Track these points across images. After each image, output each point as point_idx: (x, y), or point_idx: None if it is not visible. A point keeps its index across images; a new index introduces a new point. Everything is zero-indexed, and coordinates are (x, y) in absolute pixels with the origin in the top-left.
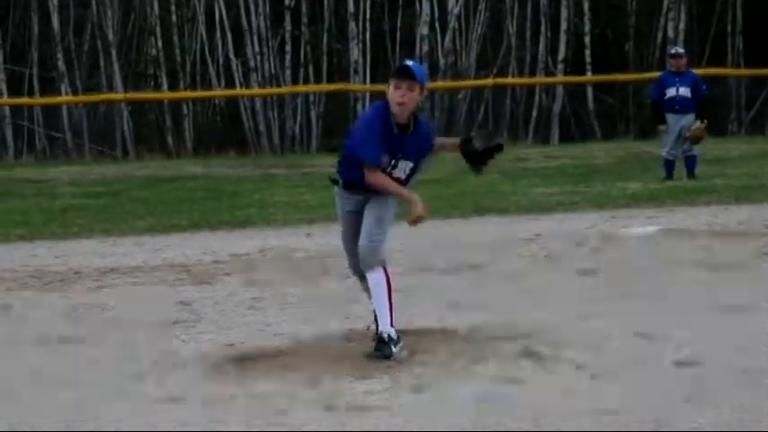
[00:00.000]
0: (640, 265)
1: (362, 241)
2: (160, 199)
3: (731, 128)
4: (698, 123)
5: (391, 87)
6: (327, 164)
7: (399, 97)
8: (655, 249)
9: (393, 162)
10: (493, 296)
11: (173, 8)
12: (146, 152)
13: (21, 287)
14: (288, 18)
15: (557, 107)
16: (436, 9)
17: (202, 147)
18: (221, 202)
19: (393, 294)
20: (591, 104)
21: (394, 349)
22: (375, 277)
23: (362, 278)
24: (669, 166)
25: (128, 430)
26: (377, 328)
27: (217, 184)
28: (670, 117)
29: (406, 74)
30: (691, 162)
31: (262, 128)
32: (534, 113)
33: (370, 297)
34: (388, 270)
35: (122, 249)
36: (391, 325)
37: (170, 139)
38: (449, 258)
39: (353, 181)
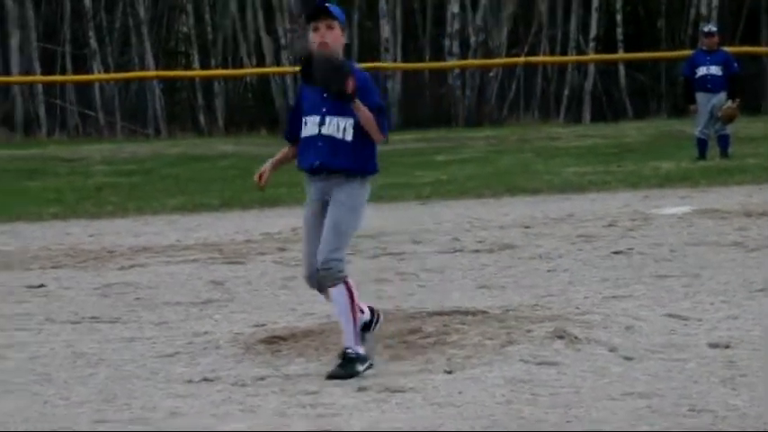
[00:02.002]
0: (673, 245)
1: (319, 263)
2: (192, 177)
3: (765, 106)
4: (729, 102)
5: (310, 34)
6: None
7: (320, 38)
8: (688, 230)
9: (320, 119)
10: (525, 277)
11: None
12: (177, 130)
13: (55, 266)
14: None
15: (588, 85)
16: None
17: (234, 125)
18: (253, 180)
19: (357, 307)
20: (623, 82)
21: (360, 368)
22: (335, 293)
23: (321, 290)
24: (702, 145)
25: (160, 411)
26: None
27: (248, 162)
28: (701, 96)
29: (321, 12)
30: (723, 141)
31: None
32: (566, 92)
33: (336, 309)
34: (350, 281)
35: (155, 228)
36: (357, 343)
37: (201, 117)
38: (481, 238)
39: (301, 163)
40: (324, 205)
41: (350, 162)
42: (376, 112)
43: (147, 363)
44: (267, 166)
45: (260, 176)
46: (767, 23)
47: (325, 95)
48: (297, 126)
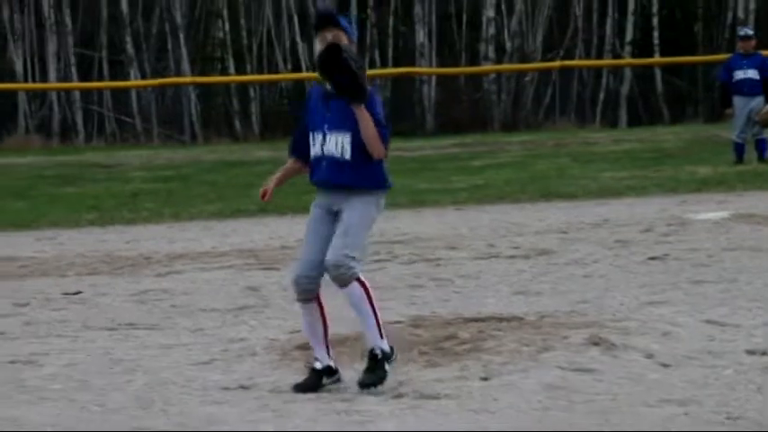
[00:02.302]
0: (710, 250)
1: (330, 264)
2: (228, 183)
3: None
4: (767, 106)
5: (317, 44)
6: (393, 148)
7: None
8: (725, 235)
9: (321, 139)
10: (561, 282)
11: None
12: (213, 136)
13: (91, 272)
14: (354, 1)
15: (624, 89)
16: None
17: (269, 130)
18: (288, 186)
19: (375, 303)
20: (659, 87)
21: (387, 367)
22: (351, 291)
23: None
24: (739, 149)
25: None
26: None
27: None
28: (739, 100)
29: (326, 21)
30: (761, 145)
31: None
32: (602, 96)
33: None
34: (364, 279)
35: (191, 234)
36: (381, 337)
37: (237, 123)
38: (517, 244)
39: (311, 177)
40: (328, 213)
41: (354, 179)
42: (377, 125)
43: (183, 369)
44: (271, 183)
45: (264, 193)
46: None
47: (329, 90)
48: (301, 141)
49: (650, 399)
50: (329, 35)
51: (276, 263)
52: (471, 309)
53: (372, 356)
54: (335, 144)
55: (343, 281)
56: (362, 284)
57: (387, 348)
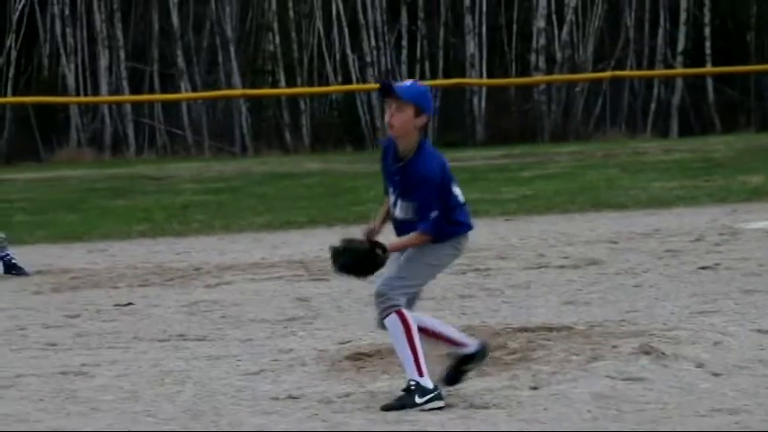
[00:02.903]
0: (761, 260)
1: (375, 291)
2: (278, 195)
3: None
4: None
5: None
6: None
7: (388, 117)
8: None
9: (393, 199)
10: (611, 292)
11: (290, 4)
12: (264, 148)
13: (142, 284)
14: (404, 13)
15: (676, 99)
16: (553, 2)
17: (319, 142)
18: (338, 198)
19: (414, 337)
20: (711, 96)
21: (418, 399)
22: (388, 323)
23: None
24: None
25: (247, 429)
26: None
27: (334, 179)
28: None
29: (385, 90)
30: None
31: (378, 123)
32: (653, 106)
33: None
34: (405, 312)
35: (241, 246)
36: (420, 373)
37: (287, 135)
38: (566, 254)
39: None
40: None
41: None
42: (420, 209)
43: (233, 380)
44: (376, 222)
45: (370, 231)
46: None
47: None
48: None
49: (701, 408)
50: (392, 104)
51: (326, 274)
52: (521, 318)
53: (406, 387)
54: (404, 210)
55: (382, 310)
56: (403, 319)
57: (425, 384)
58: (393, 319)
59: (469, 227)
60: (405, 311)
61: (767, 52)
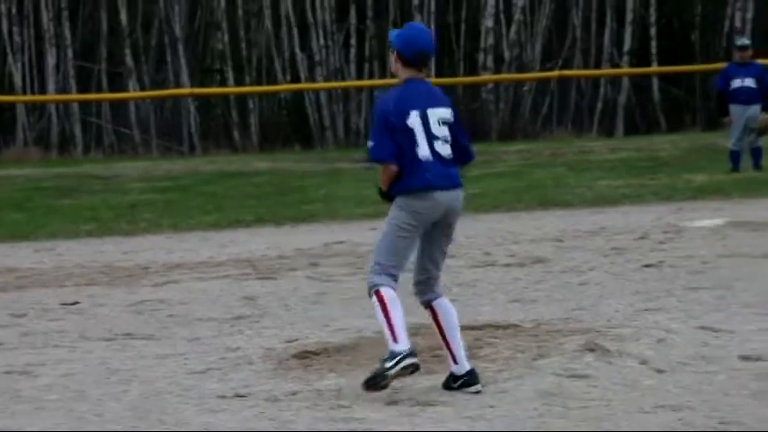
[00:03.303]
0: (705, 257)
1: None
2: (226, 194)
3: None
4: (764, 115)
5: None
6: None
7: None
8: (720, 242)
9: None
10: (557, 290)
11: (239, 2)
12: (212, 147)
13: (89, 283)
14: (353, 12)
15: (622, 99)
16: (501, 1)
17: (268, 141)
18: (286, 196)
19: (393, 309)
20: (656, 96)
21: (387, 365)
22: (372, 303)
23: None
24: (735, 157)
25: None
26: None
27: (282, 178)
28: (735, 108)
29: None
30: (757, 153)
31: (327, 122)
32: (599, 105)
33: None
34: (382, 290)
35: (189, 245)
36: (394, 339)
37: (236, 134)
38: (513, 252)
39: None
40: None
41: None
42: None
43: (179, 379)
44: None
45: None
46: None
47: None
48: None
49: (645, 405)
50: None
51: (273, 273)
52: (468, 316)
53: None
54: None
55: (368, 293)
56: (379, 297)
57: (397, 349)
58: (373, 300)
59: (419, 188)
60: (382, 290)
61: (712, 52)
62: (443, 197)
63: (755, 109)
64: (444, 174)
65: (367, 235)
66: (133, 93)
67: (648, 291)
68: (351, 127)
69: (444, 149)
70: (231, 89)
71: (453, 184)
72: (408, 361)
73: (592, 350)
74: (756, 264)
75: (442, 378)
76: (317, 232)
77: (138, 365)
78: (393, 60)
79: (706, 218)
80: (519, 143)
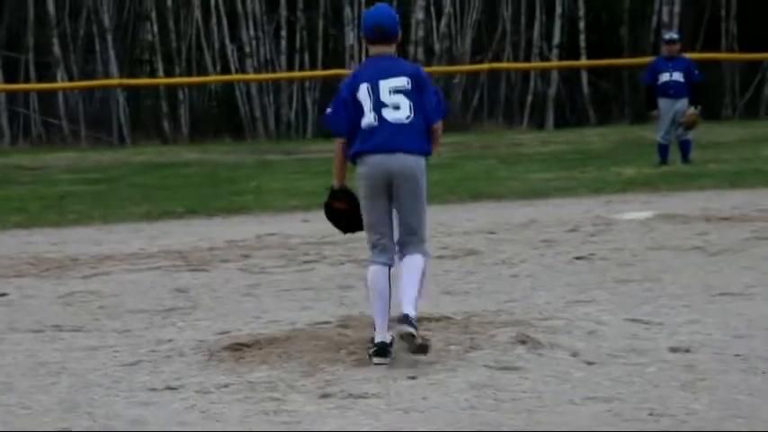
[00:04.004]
0: (635, 250)
1: None
2: (156, 185)
3: (725, 112)
4: (692, 109)
5: None
6: (323, 149)
7: None
8: (649, 234)
9: None
10: (488, 282)
11: None
12: (142, 138)
13: (17, 275)
14: (283, 3)
15: (552, 92)
16: None
17: (198, 133)
18: (217, 188)
19: (372, 295)
20: (586, 89)
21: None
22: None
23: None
24: (663, 151)
25: (123, 421)
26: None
27: (213, 170)
28: (664, 102)
29: None
30: (685, 147)
31: (257, 114)
32: (529, 98)
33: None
34: (369, 269)
35: (119, 236)
36: (373, 328)
37: (166, 125)
38: (445, 244)
39: None
40: None
41: None
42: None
43: (109, 371)
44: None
45: None
46: (727, 30)
47: None
48: None
49: (575, 397)
50: None
51: (205, 265)
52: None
53: None
54: None
55: None
56: (368, 276)
57: (375, 339)
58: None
59: (356, 153)
60: (370, 268)
61: (640, 46)
62: (382, 161)
63: (683, 103)
64: (386, 139)
65: (299, 227)
66: (61, 83)
67: (579, 283)
68: (282, 119)
69: (395, 115)
70: (161, 80)
71: (396, 148)
72: (377, 360)
73: (523, 342)
74: (684, 256)
75: (374, 370)
76: (248, 224)
77: (68, 358)
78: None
79: (635, 211)
80: (450, 136)
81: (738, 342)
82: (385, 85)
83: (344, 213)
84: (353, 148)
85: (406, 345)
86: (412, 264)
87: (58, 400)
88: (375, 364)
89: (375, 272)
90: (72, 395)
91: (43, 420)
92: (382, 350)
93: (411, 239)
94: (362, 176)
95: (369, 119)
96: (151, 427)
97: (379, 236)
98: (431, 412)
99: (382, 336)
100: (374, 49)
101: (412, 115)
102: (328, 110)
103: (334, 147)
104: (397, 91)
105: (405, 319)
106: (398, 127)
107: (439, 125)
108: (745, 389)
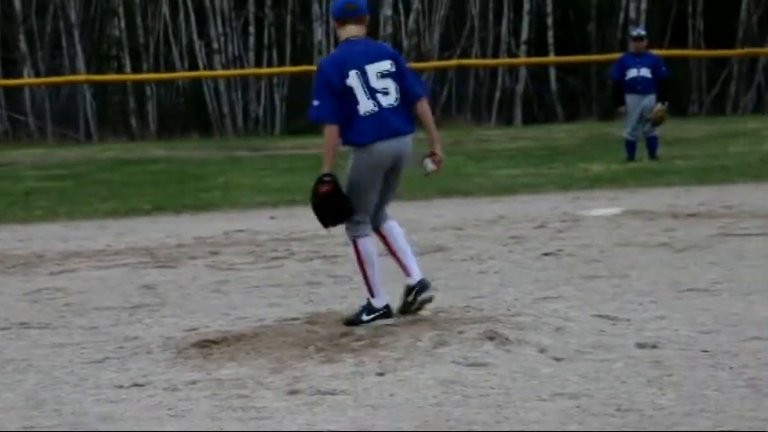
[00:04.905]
0: (602, 246)
1: None
2: (123, 182)
3: (692, 109)
4: (659, 105)
5: None
6: (291, 146)
7: None
8: (616, 231)
9: None
10: (457, 278)
11: None
12: (109, 135)
13: None
14: (251, 0)
15: (520, 88)
16: None
17: (166, 129)
18: (185, 184)
19: (366, 262)
20: (554, 86)
21: (365, 317)
22: (350, 252)
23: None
24: (631, 147)
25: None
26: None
27: (180, 166)
28: (631, 98)
29: None
30: (652, 143)
31: (225, 110)
32: (497, 95)
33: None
34: (358, 242)
35: (85, 233)
36: (371, 293)
37: (133, 122)
38: (413, 241)
39: None
40: None
41: None
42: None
43: (76, 368)
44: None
45: None
46: (693, 27)
47: None
48: None
49: (543, 392)
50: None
51: (172, 261)
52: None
53: (363, 305)
54: None
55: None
56: (355, 248)
57: (375, 304)
58: (351, 249)
59: (363, 143)
60: (359, 241)
61: (607, 42)
62: (388, 147)
63: (651, 99)
64: (386, 125)
65: (267, 223)
66: (28, 79)
67: (547, 279)
68: (250, 115)
69: (387, 100)
70: (128, 76)
71: (397, 131)
72: (385, 321)
73: (491, 338)
74: (651, 252)
75: (342, 367)
76: (216, 220)
77: (34, 355)
78: (337, 31)
79: (602, 207)
80: (418, 132)
81: (705, 338)
82: (372, 71)
83: (328, 197)
84: (356, 137)
85: (418, 308)
86: (398, 230)
87: (24, 398)
88: (384, 325)
89: (367, 243)
90: (39, 392)
91: (10, 417)
92: (389, 312)
93: (386, 209)
94: (367, 162)
95: (368, 106)
96: (118, 424)
97: (367, 214)
98: (399, 408)
99: (384, 299)
100: (347, 31)
101: (399, 97)
102: (315, 102)
103: (326, 134)
104: (383, 75)
105: (424, 283)
106: (392, 111)
107: (425, 101)
108: (711, 384)
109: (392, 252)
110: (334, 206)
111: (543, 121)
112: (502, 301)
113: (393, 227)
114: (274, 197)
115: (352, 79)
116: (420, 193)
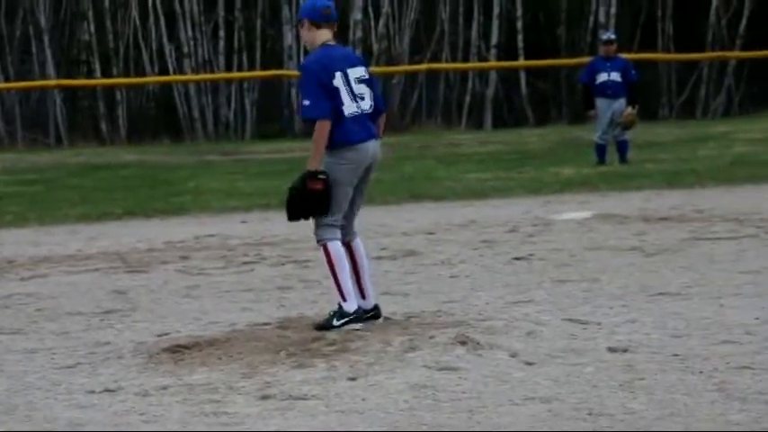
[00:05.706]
0: (573, 250)
1: None
2: (94, 187)
3: (662, 112)
4: (629, 109)
5: None
6: (262, 150)
7: None
8: (587, 234)
9: None
10: (428, 283)
11: None
12: (79, 139)
13: None
14: (221, 3)
15: (490, 92)
16: None
17: (136, 134)
18: (156, 189)
19: (337, 266)
20: (524, 89)
21: (335, 322)
22: (321, 255)
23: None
24: (601, 151)
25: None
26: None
27: (151, 171)
28: (602, 102)
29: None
30: (622, 147)
31: (196, 114)
32: (467, 99)
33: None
34: (329, 245)
35: (56, 238)
36: (342, 298)
37: (104, 126)
38: (384, 245)
39: None
40: None
41: None
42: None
43: (48, 374)
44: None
45: None
46: (663, 31)
47: None
48: None
49: (514, 397)
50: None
51: (143, 266)
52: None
53: (333, 310)
54: None
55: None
56: (326, 252)
57: (346, 308)
58: (321, 253)
59: (349, 142)
60: (329, 244)
61: (577, 46)
62: (367, 147)
63: (621, 103)
64: (366, 127)
65: (238, 228)
66: None
67: (518, 283)
68: (220, 119)
69: (364, 104)
70: (98, 81)
71: (372, 135)
72: (355, 326)
73: (462, 343)
74: (622, 256)
75: (314, 372)
76: (187, 225)
77: (6, 360)
78: (305, 32)
79: (573, 211)
80: (389, 136)
81: (676, 342)
82: (352, 75)
83: (315, 194)
84: (342, 137)
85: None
86: (364, 251)
87: None
88: (354, 330)
89: (338, 247)
90: (10, 398)
91: None
92: (361, 317)
93: (354, 223)
94: (354, 159)
95: (352, 108)
96: (90, 429)
97: (340, 215)
98: (370, 413)
99: (355, 303)
100: (321, 35)
101: (372, 104)
102: (305, 102)
103: (319, 129)
104: (360, 81)
105: (379, 312)
106: (367, 116)
107: (384, 116)
108: (682, 388)
109: (356, 270)
110: (313, 203)
111: (513, 125)
112: (473, 305)
113: (361, 245)
114: (245, 201)
115: (338, 80)
116: (391, 198)
